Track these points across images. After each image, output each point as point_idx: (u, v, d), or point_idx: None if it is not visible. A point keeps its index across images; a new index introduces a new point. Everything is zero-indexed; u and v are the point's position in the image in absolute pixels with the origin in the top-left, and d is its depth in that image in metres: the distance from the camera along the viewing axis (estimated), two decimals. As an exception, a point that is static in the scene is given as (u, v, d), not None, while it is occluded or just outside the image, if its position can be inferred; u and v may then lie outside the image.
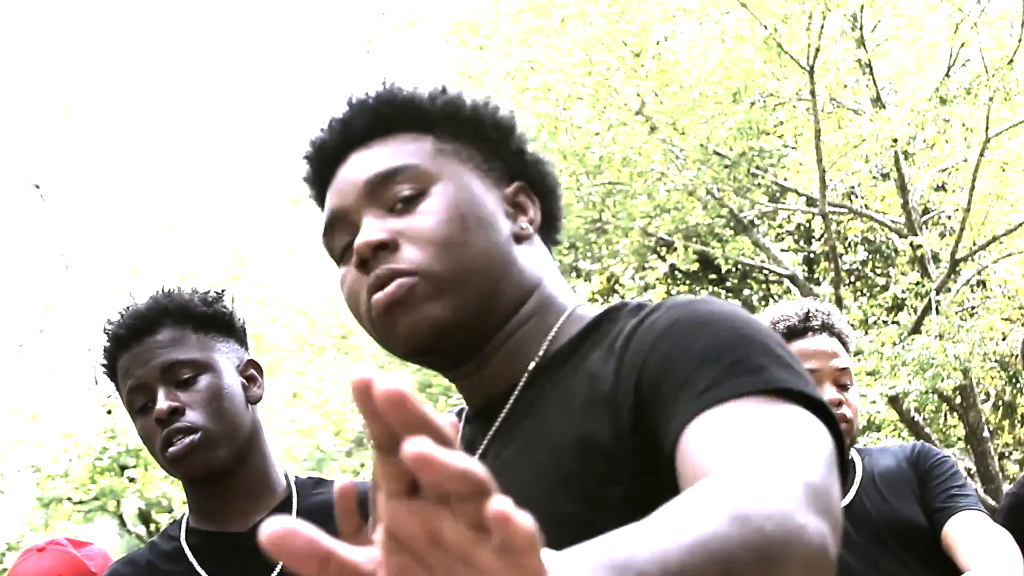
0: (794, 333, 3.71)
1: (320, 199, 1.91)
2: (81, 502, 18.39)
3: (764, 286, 19.97)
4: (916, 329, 16.07)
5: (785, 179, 17.79)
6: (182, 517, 2.92)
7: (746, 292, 19.85)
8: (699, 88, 16.08)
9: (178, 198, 22.56)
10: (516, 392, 1.75)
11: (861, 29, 16.36)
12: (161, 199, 22.22)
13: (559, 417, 1.65)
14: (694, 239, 18.20)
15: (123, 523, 19.51)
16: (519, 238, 1.82)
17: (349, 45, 21.29)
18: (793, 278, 18.21)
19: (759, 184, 18.15)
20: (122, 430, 18.00)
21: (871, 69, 16.95)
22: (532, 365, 1.76)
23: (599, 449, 1.57)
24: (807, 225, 19.65)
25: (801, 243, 20.25)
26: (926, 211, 18.39)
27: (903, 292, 17.04)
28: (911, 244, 16.87)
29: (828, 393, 3.63)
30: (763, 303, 19.07)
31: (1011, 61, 15.18)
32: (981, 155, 15.51)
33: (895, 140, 15.72)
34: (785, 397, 1.44)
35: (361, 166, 1.82)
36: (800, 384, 1.47)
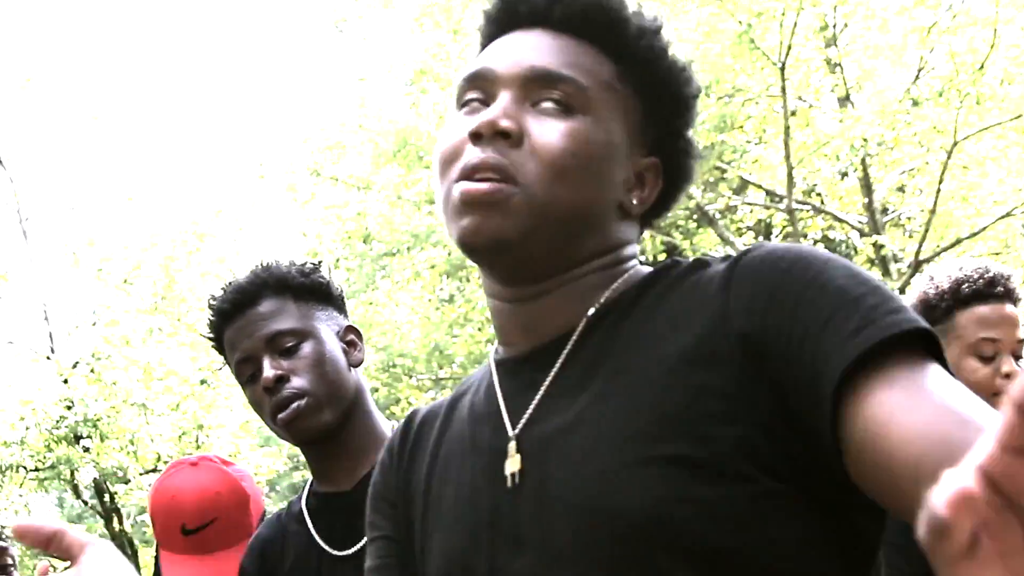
0: (977, 297, 3.49)
1: (487, 36, 1.82)
2: (36, 470, 18.29)
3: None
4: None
5: (751, 173, 17.95)
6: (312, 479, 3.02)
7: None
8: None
9: (139, 169, 22.45)
10: (575, 337, 1.67)
11: (834, 28, 16.53)
12: (122, 170, 22.11)
13: (652, 361, 1.57)
14: (657, 230, 18.33)
15: (77, 493, 19.43)
16: (622, 210, 1.75)
17: (321, 23, 21.23)
18: (756, 272, 18.37)
19: (723, 178, 18.30)
20: (80, 400, 17.92)
21: (841, 68, 17.13)
22: (591, 311, 1.69)
23: (712, 390, 1.50)
24: (767, 221, 19.80)
25: (760, 239, 20.39)
26: (885, 211, 18.58)
27: (864, 291, 17.20)
28: (874, 244, 17.04)
29: (1008, 364, 3.44)
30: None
31: (982, 66, 15.38)
32: (949, 158, 15.71)
33: (865, 140, 15.89)
34: (922, 341, 1.42)
35: (538, 48, 1.74)
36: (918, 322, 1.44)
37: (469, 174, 1.64)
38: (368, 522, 1.83)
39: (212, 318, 2.94)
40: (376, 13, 19.23)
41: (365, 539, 1.86)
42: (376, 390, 19.24)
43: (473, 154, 1.65)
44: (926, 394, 1.35)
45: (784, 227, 19.06)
